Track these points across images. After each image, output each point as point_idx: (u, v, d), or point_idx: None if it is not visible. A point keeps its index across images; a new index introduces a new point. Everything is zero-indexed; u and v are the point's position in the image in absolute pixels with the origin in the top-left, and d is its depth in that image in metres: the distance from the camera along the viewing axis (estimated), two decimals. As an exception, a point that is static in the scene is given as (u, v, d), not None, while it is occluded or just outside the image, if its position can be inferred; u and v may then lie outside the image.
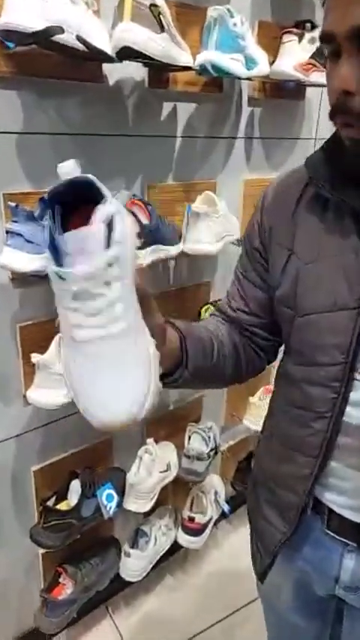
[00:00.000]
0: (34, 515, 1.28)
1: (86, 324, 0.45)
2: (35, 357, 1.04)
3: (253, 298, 0.76)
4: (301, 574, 0.81)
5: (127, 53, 0.89)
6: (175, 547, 1.66)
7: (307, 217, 0.68)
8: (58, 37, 0.80)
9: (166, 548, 1.58)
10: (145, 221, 1.06)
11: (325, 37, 0.54)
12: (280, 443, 0.77)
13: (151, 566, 1.52)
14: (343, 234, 0.64)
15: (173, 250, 1.18)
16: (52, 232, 0.43)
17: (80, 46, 0.83)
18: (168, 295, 1.36)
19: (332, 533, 0.74)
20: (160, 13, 0.89)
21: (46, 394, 1.05)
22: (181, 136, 1.25)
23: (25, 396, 1.14)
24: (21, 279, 1.04)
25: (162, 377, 0.55)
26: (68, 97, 1.02)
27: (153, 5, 0.88)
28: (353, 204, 0.60)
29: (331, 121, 0.58)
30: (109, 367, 0.46)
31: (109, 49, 0.88)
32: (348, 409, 0.66)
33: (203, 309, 1.34)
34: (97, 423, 0.46)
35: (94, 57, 0.89)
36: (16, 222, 0.92)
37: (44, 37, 0.78)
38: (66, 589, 1.34)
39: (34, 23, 0.78)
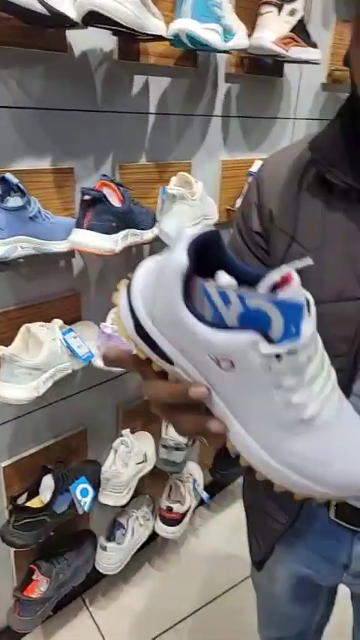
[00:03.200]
0: (4, 513, 1.23)
1: (312, 399, 0.39)
2: (1, 350, 0.97)
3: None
4: (305, 563, 0.80)
5: (93, 18, 0.81)
6: (154, 535, 1.64)
7: (310, 201, 0.63)
8: (18, 1, 0.72)
9: (144, 540, 1.55)
10: (117, 204, 1.00)
11: None
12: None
13: (128, 558, 1.49)
14: (350, 220, 0.59)
15: (147, 235, 1.12)
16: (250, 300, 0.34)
17: (42, 10, 0.76)
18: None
19: (340, 522, 0.72)
20: (129, -23, 0.81)
21: (13, 389, 0.99)
22: (154, 113, 1.18)
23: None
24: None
25: None
26: (30, 67, 0.94)
27: (121, -33, 0.80)
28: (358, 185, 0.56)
29: None
30: (347, 423, 0.42)
31: (73, 14, 0.80)
32: (352, 399, 0.62)
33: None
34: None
35: (57, 22, 0.81)
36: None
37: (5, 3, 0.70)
38: (40, 586, 1.30)
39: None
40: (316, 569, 0.80)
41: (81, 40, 0.98)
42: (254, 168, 1.40)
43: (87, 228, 0.93)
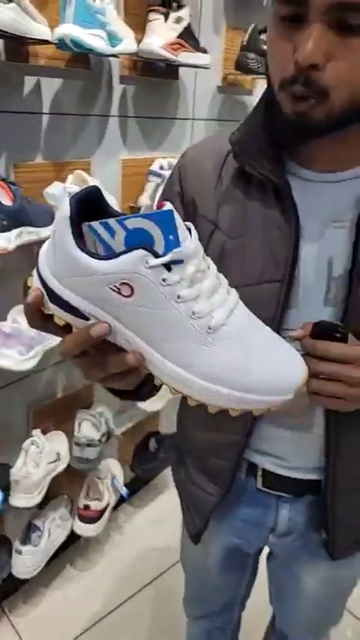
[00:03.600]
0: None
1: (214, 307, 0.43)
2: None
3: None
4: (237, 534, 0.86)
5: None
6: (75, 536, 1.64)
7: (230, 191, 0.67)
8: None
9: (62, 541, 1.55)
10: (8, 202, 1.00)
11: (291, 1, 0.49)
12: (207, 413, 0.77)
13: (46, 560, 1.48)
14: (267, 210, 0.64)
15: (45, 232, 1.13)
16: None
17: None
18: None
19: (267, 490, 0.79)
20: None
21: None
22: (49, 113, 1.20)
23: None
24: None
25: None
26: None
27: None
28: (277, 180, 0.61)
29: (280, 93, 0.54)
30: (260, 335, 0.48)
31: None
32: None
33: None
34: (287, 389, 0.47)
35: None
36: None
37: None
38: None
39: None
40: (246, 538, 0.86)
41: None
42: (155, 166, 1.45)
43: (-25, 227, 0.93)
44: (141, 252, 0.40)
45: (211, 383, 0.44)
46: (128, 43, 1.14)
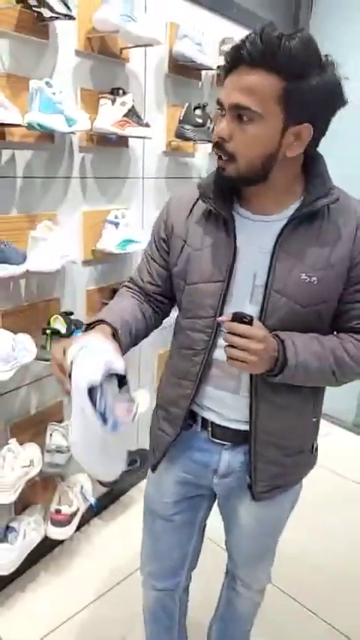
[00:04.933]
0: None
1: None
2: None
3: (157, 274, 1.09)
4: (186, 470, 1.14)
5: None
6: (49, 547, 1.81)
7: (197, 219, 1.01)
8: None
9: (36, 542, 1.73)
10: (-12, 245, 1.29)
11: (218, 102, 0.86)
12: (173, 374, 1.10)
13: (21, 559, 1.66)
14: (217, 233, 0.97)
15: (18, 270, 1.42)
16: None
17: None
18: (20, 310, 1.59)
19: (215, 440, 1.08)
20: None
21: None
22: (22, 177, 1.51)
23: None
24: None
25: None
26: None
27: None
28: (225, 215, 0.95)
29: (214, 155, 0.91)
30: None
31: None
32: (216, 349, 1.00)
33: (52, 319, 1.58)
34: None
35: None
36: None
37: None
38: None
39: None
40: (194, 473, 1.14)
41: None
42: (111, 216, 1.77)
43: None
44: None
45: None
46: (82, 123, 1.48)
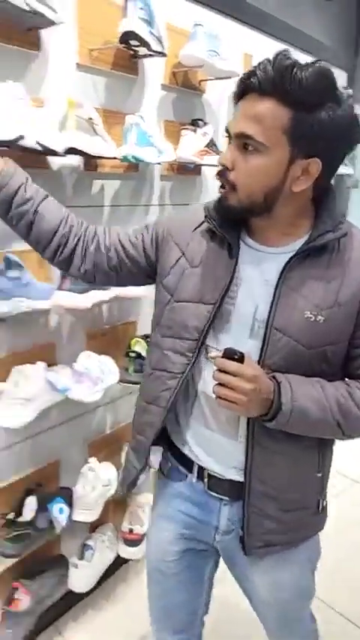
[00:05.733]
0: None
1: None
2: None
3: (130, 251, 1.00)
4: (187, 527, 1.05)
5: (71, 151, 1.20)
6: (116, 566, 1.84)
7: (200, 237, 0.94)
8: (22, 142, 1.09)
9: (111, 561, 1.76)
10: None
11: (226, 130, 0.84)
12: (143, 399, 1.01)
13: (97, 577, 1.69)
14: (219, 255, 0.91)
15: (107, 295, 1.47)
16: None
17: (39, 148, 1.13)
18: (102, 333, 1.64)
19: (213, 493, 1.00)
20: (94, 123, 1.22)
21: (8, 417, 1.26)
22: (109, 205, 1.57)
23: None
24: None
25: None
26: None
27: (90, 118, 1.21)
28: (229, 239, 0.90)
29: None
30: None
31: (58, 148, 1.18)
32: (194, 373, 0.94)
33: (133, 342, 1.63)
34: None
35: (48, 153, 1.19)
36: (-15, 276, 1.17)
37: (13, 143, 1.07)
38: (23, 603, 1.48)
39: (5, 134, 1.06)
40: (194, 530, 1.05)
41: (58, 161, 1.36)
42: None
43: (67, 290, 1.27)
44: None
45: None
46: (168, 154, 1.54)
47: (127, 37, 1.26)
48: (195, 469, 1.01)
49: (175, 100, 1.70)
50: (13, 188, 0.92)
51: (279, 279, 0.85)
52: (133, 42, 1.31)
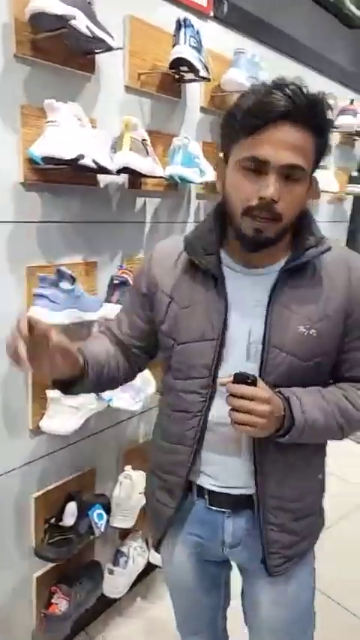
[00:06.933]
0: (31, 541, 1.47)
1: None
2: (50, 393, 1.30)
3: (136, 327, 1.02)
4: (197, 545, 1.04)
5: (124, 170, 1.27)
6: (143, 574, 1.87)
7: (183, 274, 0.93)
8: (81, 161, 1.16)
9: (142, 567, 1.79)
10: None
11: (256, 160, 0.77)
12: (167, 440, 1.00)
13: (130, 583, 1.72)
14: (206, 289, 0.90)
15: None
16: None
17: (94, 166, 1.20)
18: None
19: (214, 508, 0.98)
20: (147, 144, 1.29)
21: (59, 423, 1.31)
22: (150, 222, 1.64)
23: (31, 430, 1.38)
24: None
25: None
26: (73, 196, 1.37)
27: (143, 139, 1.28)
28: (213, 270, 0.89)
29: (244, 217, 0.82)
30: None
31: (113, 168, 1.25)
32: (212, 409, 0.92)
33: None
34: None
35: (100, 171, 1.26)
36: (42, 287, 1.23)
37: (74, 162, 1.14)
38: (61, 606, 1.51)
39: (67, 153, 1.13)
40: (204, 547, 1.04)
41: (106, 178, 1.43)
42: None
43: (115, 303, 1.33)
44: None
45: None
46: (210, 173, 1.60)
47: (179, 62, 1.33)
48: (194, 488, 1.00)
49: (212, 122, 1.77)
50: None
51: (269, 298, 0.87)
52: (183, 67, 1.38)
